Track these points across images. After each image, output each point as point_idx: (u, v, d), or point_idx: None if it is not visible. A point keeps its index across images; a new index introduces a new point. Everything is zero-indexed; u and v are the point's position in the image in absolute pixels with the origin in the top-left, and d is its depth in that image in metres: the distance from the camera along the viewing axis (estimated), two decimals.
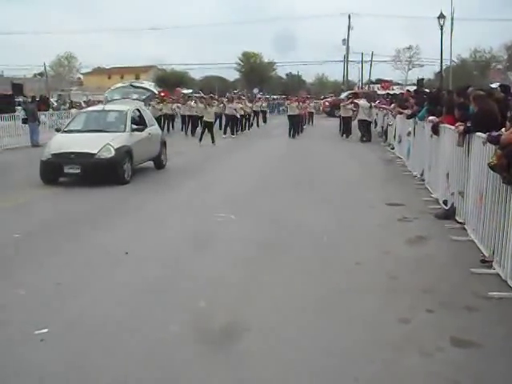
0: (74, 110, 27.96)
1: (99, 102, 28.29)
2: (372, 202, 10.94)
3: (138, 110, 15.11)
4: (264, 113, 37.80)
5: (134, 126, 14.13)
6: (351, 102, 27.14)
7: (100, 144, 12.80)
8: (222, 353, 4.69)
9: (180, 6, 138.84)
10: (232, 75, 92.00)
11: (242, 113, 29.72)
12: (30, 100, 28.45)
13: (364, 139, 24.44)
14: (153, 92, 17.69)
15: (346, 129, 26.28)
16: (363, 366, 4.46)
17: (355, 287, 6.21)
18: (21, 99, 31.76)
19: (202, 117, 24.92)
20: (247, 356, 4.64)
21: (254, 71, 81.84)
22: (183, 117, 30.50)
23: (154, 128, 15.75)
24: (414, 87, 31.32)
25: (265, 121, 37.78)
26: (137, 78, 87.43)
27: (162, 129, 28.55)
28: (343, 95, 45.43)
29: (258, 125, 34.53)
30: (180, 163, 17.05)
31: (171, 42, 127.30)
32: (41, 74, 75.27)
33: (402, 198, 11.11)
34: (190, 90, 66.32)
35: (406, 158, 16.39)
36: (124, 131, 13.79)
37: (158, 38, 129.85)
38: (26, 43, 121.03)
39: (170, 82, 78.13)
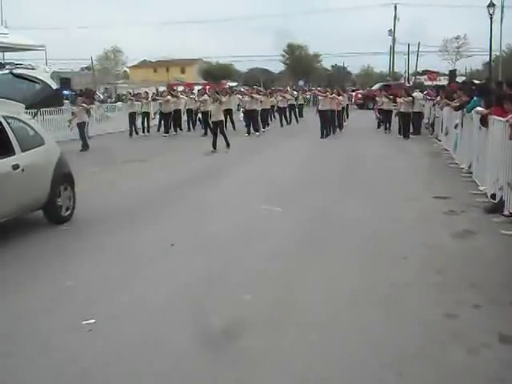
0: (119, 103, 28.36)
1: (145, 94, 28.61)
2: (418, 195, 10.76)
3: None
4: (300, 106, 34.66)
5: None
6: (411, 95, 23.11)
7: None
8: (270, 345, 4.69)
9: None
10: (277, 67, 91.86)
11: (268, 106, 26.63)
12: (78, 93, 28.95)
13: (415, 133, 22.94)
14: (46, 85, 9.32)
15: (405, 127, 22.33)
16: (408, 361, 4.39)
17: (402, 281, 6.12)
18: (67, 92, 32.26)
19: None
20: (293, 349, 4.62)
21: (300, 63, 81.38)
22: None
23: (36, 152, 8.62)
24: (463, 78, 30.60)
25: (301, 115, 33.59)
26: (182, 71, 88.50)
27: (176, 127, 25.01)
28: (375, 87, 44.76)
29: (297, 120, 30.86)
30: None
31: (216, 35, 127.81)
32: (88, 68, 76.43)
33: (448, 191, 10.91)
34: (235, 83, 66.55)
35: (453, 151, 16.08)
36: None
37: (203, 31, 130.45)
38: (73, 38, 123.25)
39: (216, 74, 78.50)
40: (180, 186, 12.09)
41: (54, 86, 9.03)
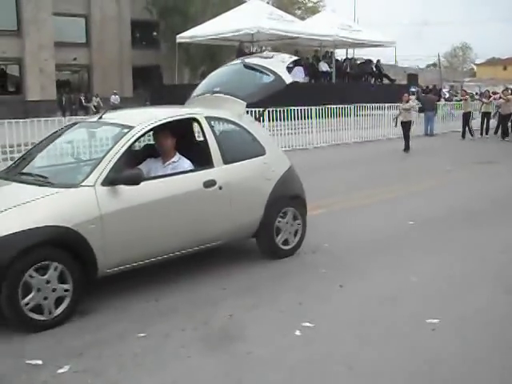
0: (463, 102, 26.63)
1: (495, 93, 26.65)
2: None
3: (196, 121, 6.50)
4: None
5: (136, 172, 5.51)
6: None
7: None
8: None
9: None
10: None
11: None
12: (424, 89, 28.93)
13: None
14: (278, 79, 7.25)
15: None
16: None
17: None
18: (414, 89, 32.37)
19: None
20: None
21: None
22: None
23: (248, 165, 6.51)
24: None
25: None
26: None
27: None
28: None
29: None
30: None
31: None
32: (434, 65, 76.30)
33: None
34: None
35: None
36: (80, 184, 5.27)
37: None
38: (422, 35, 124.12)
39: None
40: None
41: (289, 79, 7.30)
